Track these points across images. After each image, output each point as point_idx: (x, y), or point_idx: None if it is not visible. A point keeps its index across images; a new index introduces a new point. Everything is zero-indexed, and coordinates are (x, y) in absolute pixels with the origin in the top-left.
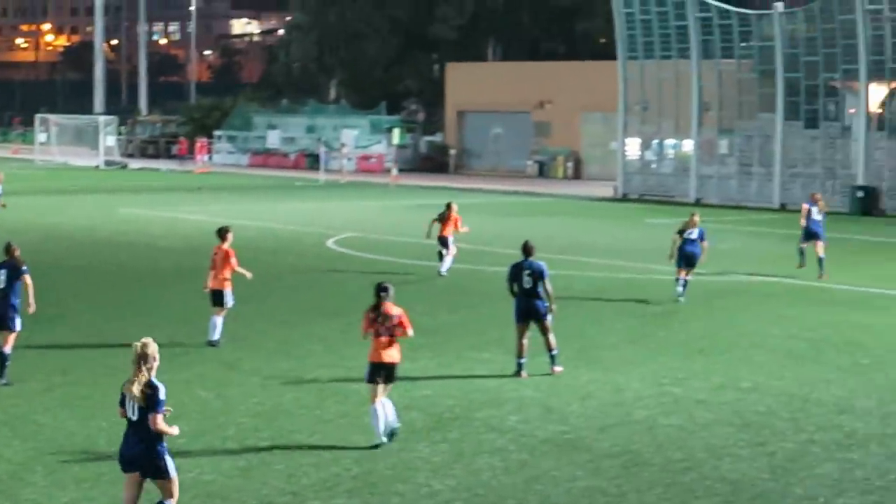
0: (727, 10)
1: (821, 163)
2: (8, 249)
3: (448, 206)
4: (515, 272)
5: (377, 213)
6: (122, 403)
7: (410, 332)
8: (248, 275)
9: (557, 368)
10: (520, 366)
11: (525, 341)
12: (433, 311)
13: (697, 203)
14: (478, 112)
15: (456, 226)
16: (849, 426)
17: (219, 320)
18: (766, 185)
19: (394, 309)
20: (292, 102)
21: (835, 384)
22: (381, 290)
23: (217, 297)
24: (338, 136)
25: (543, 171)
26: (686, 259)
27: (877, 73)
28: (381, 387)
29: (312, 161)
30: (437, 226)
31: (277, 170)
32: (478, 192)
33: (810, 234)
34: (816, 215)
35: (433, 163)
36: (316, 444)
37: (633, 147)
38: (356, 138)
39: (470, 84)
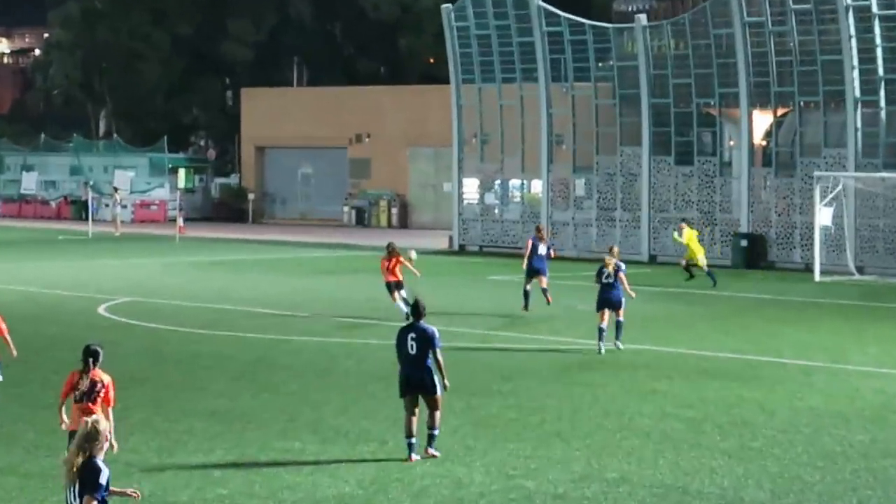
0: (580, 24)
1: (696, 205)
2: None
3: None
4: (402, 337)
5: (160, 273)
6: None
7: (110, 408)
8: (13, 351)
9: (433, 452)
10: (410, 447)
11: (414, 418)
12: (232, 391)
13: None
14: (281, 148)
15: (400, 262)
16: None
17: None
18: (632, 232)
19: (103, 376)
20: (53, 138)
21: (719, 472)
22: (90, 354)
23: None
24: (110, 179)
25: (363, 219)
26: (607, 304)
27: (760, 98)
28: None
29: (79, 209)
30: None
31: (36, 220)
32: (282, 246)
33: (532, 272)
34: (542, 250)
35: (228, 210)
36: None
37: (471, 189)
38: (133, 181)
39: (271, 114)
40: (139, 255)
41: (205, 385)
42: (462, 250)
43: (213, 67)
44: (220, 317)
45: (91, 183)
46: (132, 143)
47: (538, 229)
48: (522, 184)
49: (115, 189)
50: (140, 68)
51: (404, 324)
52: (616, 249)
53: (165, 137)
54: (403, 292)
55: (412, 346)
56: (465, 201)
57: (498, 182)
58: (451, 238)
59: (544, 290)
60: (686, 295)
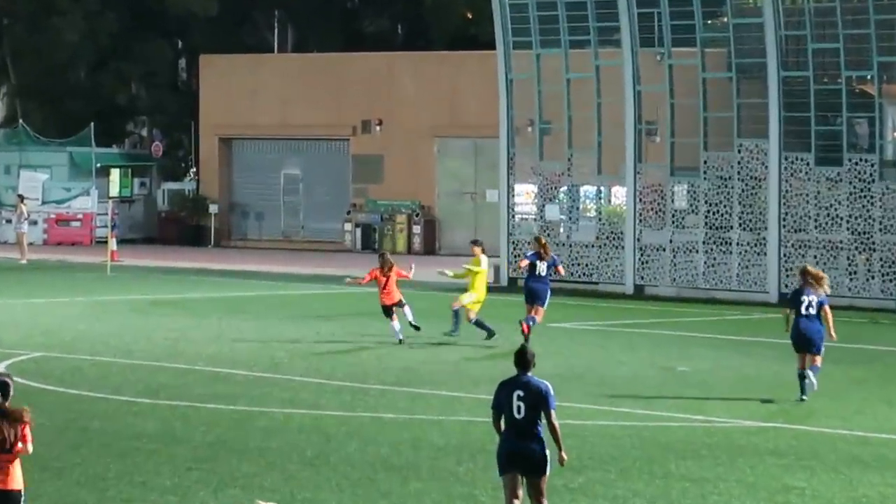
0: None
1: (847, 223)
2: None
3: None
4: (505, 395)
5: (84, 317)
6: None
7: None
8: None
9: None
10: None
11: (517, 502)
12: (183, 488)
13: (639, 296)
14: (256, 139)
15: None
16: None
17: None
18: (754, 261)
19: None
20: None
21: None
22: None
23: None
24: (13, 184)
25: (371, 241)
26: (805, 343)
27: None
28: None
29: None
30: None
31: None
32: (257, 280)
33: (533, 296)
34: (542, 270)
35: (180, 228)
36: None
37: (525, 199)
38: (46, 187)
39: (241, 92)
40: (55, 292)
41: (146, 478)
42: (513, 285)
43: (160, 26)
44: (168, 380)
45: None
46: (44, 133)
47: (539, 241)
48: (599, 191)
49: (21, 198)
50: (56, 26)
51: (505, 378)
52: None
53: (92, 125)
54: (408, 309)
55: (518, 407)
56: (518, 216)
57: (564, 189)
58: (496, 269)
59: (529, 323)
60: (834, 350)
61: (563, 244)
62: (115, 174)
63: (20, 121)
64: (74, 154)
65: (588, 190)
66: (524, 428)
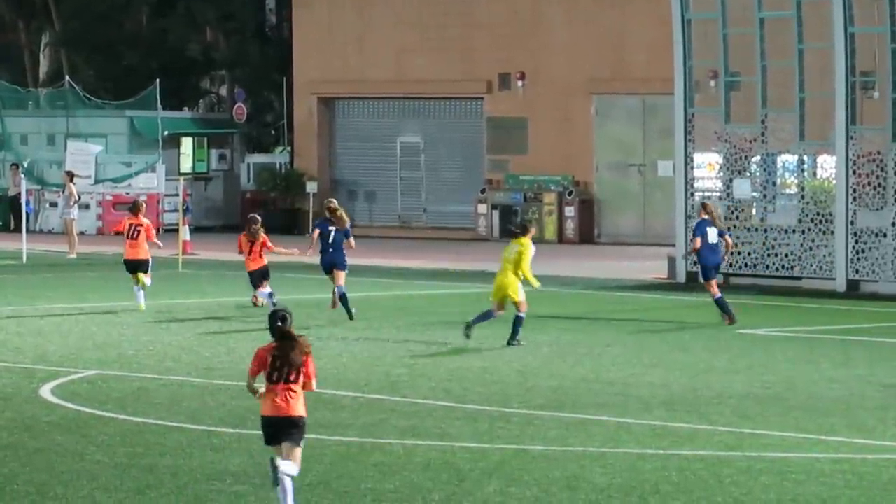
0: None
1: None
2: None
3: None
4: None
5: (148, 326)
6: None
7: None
8: None
9: None
10: None
11: None
12: None
13: (853, 294)
14: (365, 99)
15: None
16: None
17: None
18: None
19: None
20: None
21: None
22: (278, 319)
23: None
24: (59, 158)
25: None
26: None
27: None
28: None
29: (3, 212)
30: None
31: None
32: (369, 276)
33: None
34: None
35: (270, 212)
36: None
37: (708, 171)
38: (100, 162)
39: (344, 40)
40: (111, 295)
41: None
42: (693, 282)
43: None
44: (256, 405)
45: (25, 165)
46: (97, 94)
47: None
48: (801, 162)
49: (70, 176)
50: None
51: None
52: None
53: (157, 83)
54: (268, 287)
55: None
56: (699, 193)
57: (756, 159)
58: (671, 261)
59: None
60: None
61: (756, 228)
62: (186, 144)
63: (66, 78)
64: (135, 120)
65: (787, 160)
66: None
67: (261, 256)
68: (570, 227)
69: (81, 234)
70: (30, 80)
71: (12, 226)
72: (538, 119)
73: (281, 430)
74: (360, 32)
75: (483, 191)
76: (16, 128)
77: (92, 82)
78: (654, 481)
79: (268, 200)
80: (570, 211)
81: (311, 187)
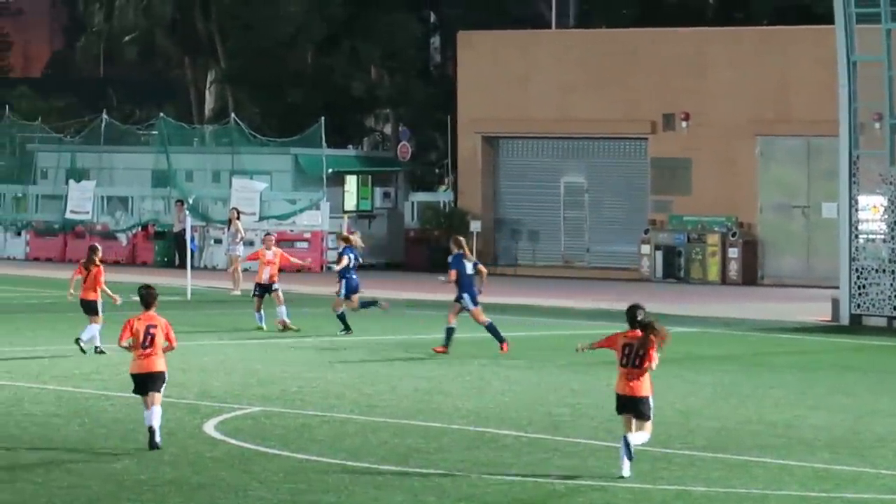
0: None
1: None
2: None
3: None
4: None
5: (309, 363)
6: None
7: None
8: None
9: None
10: None
11: None
12: None
13: None
14: (528, 138)
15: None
16: None
17: None
18: None
19: None
20: (121, 121)
21: None
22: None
23: None
24: (224, 195)
25: (675, 268)
26: None
27: None
28: None
29: (168, 248)
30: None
31: None
32: (529, 316)
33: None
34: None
35: (433, 250)
36: None
37: (873, 214)
38: (265, 199)
39: (509, 78)
40: (275, 332)
41: None
42: (857, 325)
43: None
44: (419, 443)
45: (190, 201)
46: (262, 131)
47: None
48: None
49: (236, 213)
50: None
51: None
52: None
53: (322, 121)
54: (96, 327)
55: None
56: (863, 236)
57: None
58: (834, 303)
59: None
60: None
61: None
62: (350, 182)
63: (232, 115)
64: (300, 157)
65: None
66: None
67: (94, 290)
68: (734, 268)
69: (245, 271)
70: (195, 116)
71: (177, 262)
72: (702, 160)
73: (626, 407)
74: (525, 71)
75: (646, 231)
76: (181, 164)
77: (257, 119)
78: None
79: (431, 238)
80: (733, 252)
81: (475, 226)
